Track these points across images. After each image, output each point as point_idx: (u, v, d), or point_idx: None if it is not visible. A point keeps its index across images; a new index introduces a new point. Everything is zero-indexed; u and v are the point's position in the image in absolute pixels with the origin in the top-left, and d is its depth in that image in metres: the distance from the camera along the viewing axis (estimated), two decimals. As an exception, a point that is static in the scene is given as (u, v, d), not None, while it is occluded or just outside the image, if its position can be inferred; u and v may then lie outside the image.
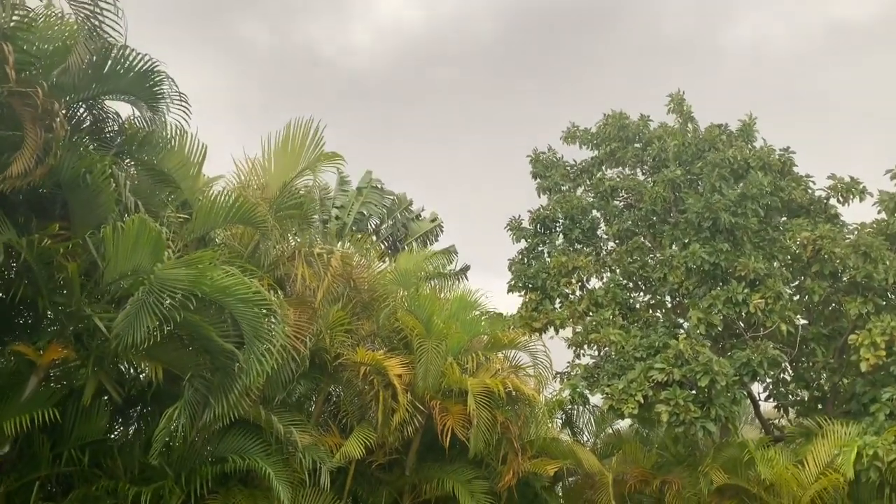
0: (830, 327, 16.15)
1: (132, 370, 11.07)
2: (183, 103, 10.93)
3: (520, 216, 19.26)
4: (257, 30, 54.09)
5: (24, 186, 8.88)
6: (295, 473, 11.73)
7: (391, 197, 23.45)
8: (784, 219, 17.27)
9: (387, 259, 17.74)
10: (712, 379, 13.92)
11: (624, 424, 17.90)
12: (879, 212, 16.25)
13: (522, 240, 19.13)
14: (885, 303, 15.13)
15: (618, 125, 18.86)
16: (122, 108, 11.32)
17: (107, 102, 10.97)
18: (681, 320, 16.88)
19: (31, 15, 9.80)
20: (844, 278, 15.48)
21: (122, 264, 9.37)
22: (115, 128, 11.07)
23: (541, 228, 18.91)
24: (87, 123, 10.85)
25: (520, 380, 15.06)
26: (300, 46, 55.39)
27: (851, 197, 16.72)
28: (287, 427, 11.74)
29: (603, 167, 19.43)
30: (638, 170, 18.90)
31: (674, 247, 17.06)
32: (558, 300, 17.76)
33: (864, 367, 13.95)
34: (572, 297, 17.85)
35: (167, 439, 10.21)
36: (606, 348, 16.23)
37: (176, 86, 10.76)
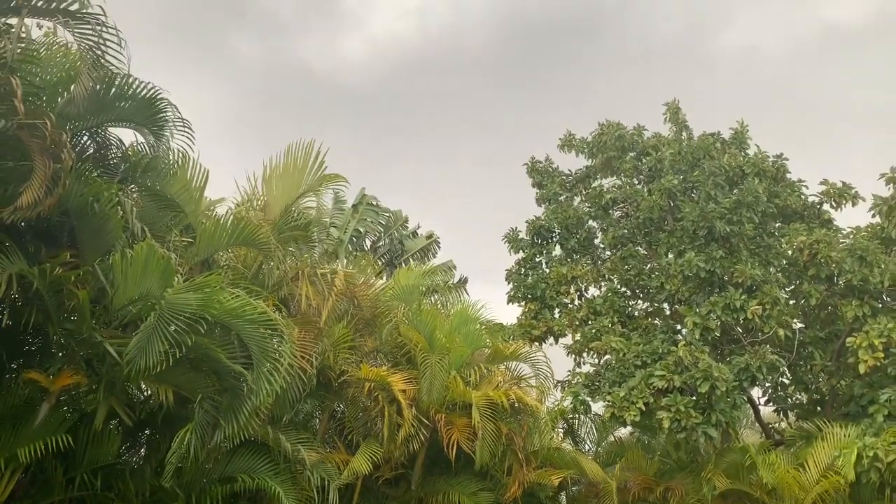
0: (827, 330, 16.38)
1: (142, 394, 11.17)
2: (186, 129, 11.09)
3: (516, 228, 19.52)
4: (251, 46, 54.42)
5: (33, 216, 9.00)
6: (303, 492, 11.83)
7: (387, 214, 23.62)
8: (779, 224, 17.53)
9: (385, 276, 17.90)
10: (712, 385, 14.11)
11: (625, 432, 18.07)
12: (874, 215, 16.51)
13: (520, 250, 19.36)
14: (881, 305, 15.38)
15: (613, 135, 19.09)
16: (125, 134, 11.51)
17: (110, 129, 11.15)
18: (679, 326, 17.10)
19: (35, 46, 9.99)
20: (840, 282, 15.73)
21: (131, 290, 9.50)
22: (119, 154, 11.21)
23: (538, 239, 19.15)
24: (91, 151, 11.00)
25: (522, 391, 15.18)
26: (295, 61, 55.72)
27: (844, 202, 17.00)
28: (294, 445, 11.86)
29: (598, 176, 19.68)
30: (634, 179, 19.14)
31: (669, 255, 17.28)
32: (557, 309, 17.99)
33: (862, 368, 14.16)
34: (571, 306, 18.09)
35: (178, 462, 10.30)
36: (607, 356, 16.41)
37: (178, 112, 10.95)
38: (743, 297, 15.43)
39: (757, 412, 17.77)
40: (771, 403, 17.36)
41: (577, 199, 19.66)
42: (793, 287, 16.75)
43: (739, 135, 18.77)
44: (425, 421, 13.83)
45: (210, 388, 10.48)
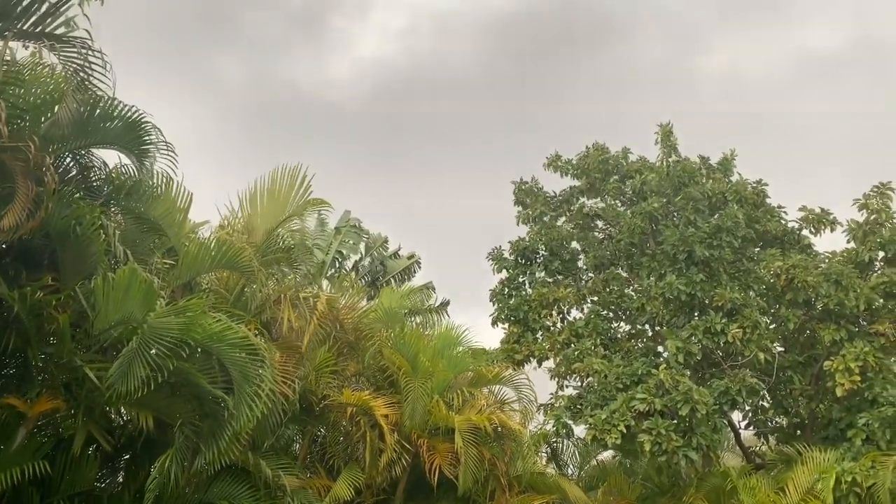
0: (806, 355, 16.55)
1: (122, 419, 11.03)
2: (169, 152, 11.07)
3: (500, 247, 19.53)
4: (238, 68, 54.51)
5: (14, 239, 8.93)
6: (284, 518, 11.71)
7: (367, 236, 23.67)
8: (758, 250, 17.75)
9: (366, 298, 17.87)
10: (692, 408, 14.19)
11: (608, 455, 18.08)
12: (849, 241, 16.79)
13: (504, 270, 19.38)
14: (857, 329, 15.58)
15: (598, 157, 19.25)
16: (108, 156, 11.45)
17: (94, 151, 11.10)
18: (660, 349, 17.20)
19: (19, 68, 9.97)
20: (818, 306, 15.93)
21: (113, 314, 9.42)
22: (102, 177, 11.16)
23: (521, 259, 19.20)
24: (74, 173, 10.95)
25: (505, 415, 15.19)
26: (279, 82, 55.81)
27: (823, 228, 17.25)
28: (275, 471, 11.75)
29: (584, 197, 19.82)
30: (617, 201, 19.30)
31: (651, 278, 17.42)
32: (539, 332, 18.01)
33: (839, 392, 14.32)
34: (553, 328, 18.12)
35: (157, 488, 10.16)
36: (589, 378, 16.45)
37: (162, 135, 10.90)
38: (723, 320, 15.57)
39: (737, 436, 17.84)
40: (751, 427, 17.44)
41: (562, 220, 19.77)
42: (772, 311, 16.93)
43: (727, 161, 19.02)
44: (407, 446, 13.79)
45: (191, 413, 10.37)
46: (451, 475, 13.55)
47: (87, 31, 9.63)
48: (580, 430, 16.73)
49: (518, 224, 19.86)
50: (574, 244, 19.42)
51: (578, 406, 16.25)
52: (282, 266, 13.19)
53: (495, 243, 19.61)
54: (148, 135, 10.70)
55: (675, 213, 17.94)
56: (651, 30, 56.74)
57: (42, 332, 9.47)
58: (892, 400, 14.11)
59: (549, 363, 17.79)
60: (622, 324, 18.62)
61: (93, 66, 9.73)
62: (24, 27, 9.17)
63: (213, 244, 11.73)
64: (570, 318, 18.31)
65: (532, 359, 17.78)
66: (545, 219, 19.48)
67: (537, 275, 18.99)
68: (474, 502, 14.54)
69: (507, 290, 18.97)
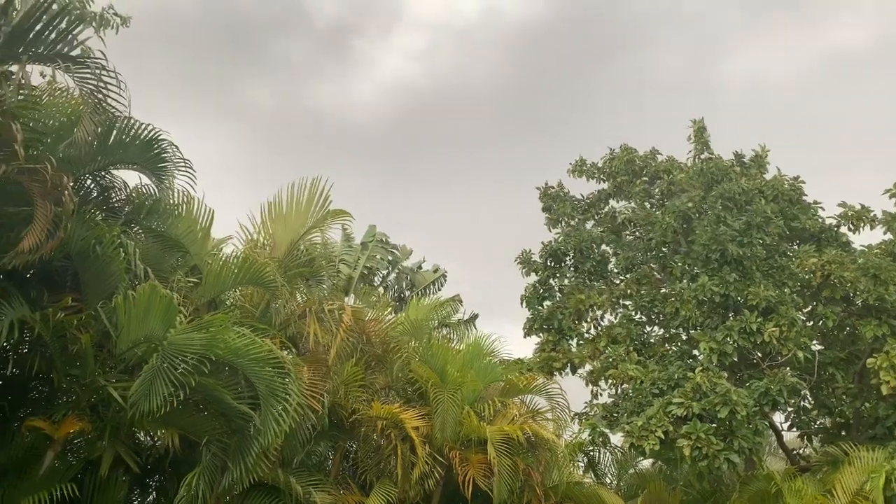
0: (847, 351, 15.98)
1: (149, 438, 10.98)
2: (188, 170, 11.09)
3: (529, 250, 19.27)
4: (261, 92, 55.20)
5: (35, 261, 8.94)
6: (317, 535, 11.53)
7: (395, 250, 23.63)
8: (794, 246, 17.28)
9: (393, 311, 17.71)
10: (731, 410, 13.72)
11: (647, 464, 17.64)
12: (885, 232, 16.24)
13: (533, 273, 19.10)
14: (899, 324, 15.01)
15: (625, 159, 18.96)
16: (129, 177, 11.50)
17: (113, 172, 11.15)
18: (695, 352, 16.75)
19: (36, 92, 10.06)
20: (858, 302, 15.39)
21: (135, 332, 9.39)
22: (123, 197, 11.20)
23: (551, 262, 18.91)
24: (95, 194, 11.00)
25: (538, 424, 14.89)
26: (305, 106, 56.38)
27: (862, 224, 16.74)
28: (306, 488, 11.60)
29: (611, 200, 19.51)
30: (646, 203, 18.96)
31: (683, 279, 17.02)
32: (575, 339, 17.69)
33: (885, 390, 13.74)
34: (588, 334, 17.79)
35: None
36: (624, 385, 16.08)
37: (180, 153, 10.94)
38: (759, 319, 15.09)
39: (780, 438, 17.28)
40: (794, 428, 16.91)
41: (590, 224, 19.47)
42: (809, 309, 16.42)
43: (759, 158, 18.64)
44: (440, 458, 13.55)
45: (217, 430, 10.29)
46: (485, 486, 13.27)
47: (101, 51, 9.66)
48: (616, 439, 16.38)
49: (549, 229, 19.59)
50: (604, 247, 19.11)
51: (614, 414, 15.87)
52: (305, 279, 13.10)
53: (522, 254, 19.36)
54: (165, 153, 10.73)
55: (708, 212, 17.53)
56: (673, 37, 56.15)
57: (66, 353, 9.45)
58: (940, 394, 13.54)
59: (584, 370, 17.48)
60: (655, 328, 18.24)
61: (108, 87, 9.73)
62: (40, 50, 9.21)
63: (236, 260, 11.71)
64: (604, 323, 17.99)
65: (568, 366, 17.48)
66: (573, 222, 19.21)
67: (567, 278, 18.67)
68: (510, 514, 14.25)
69: (537, 292, 18.68)
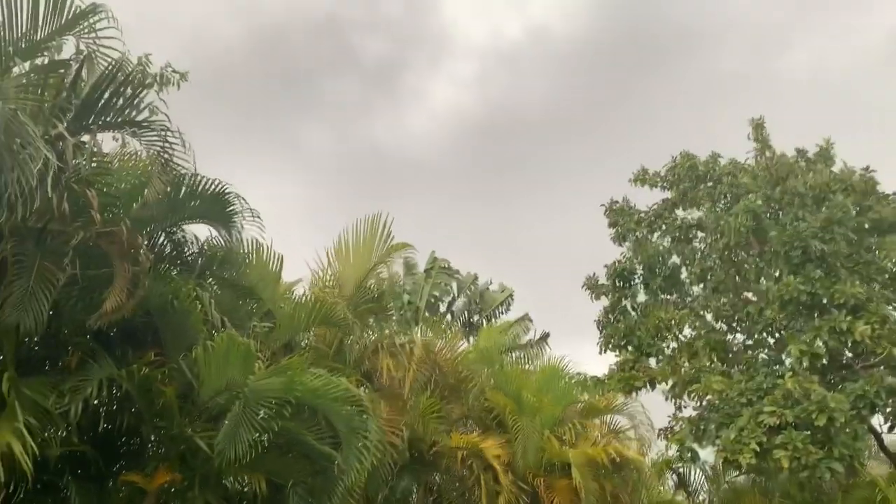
0: (947, 346, 15.09)
1: (237, 485, 11.15)
2: (256, 219, 11.30)
3: (595, 274, 19.03)
4: (318, 134, 56.60)
5: (118, 320, 9.25)
6: (408, 571, 11.47)
7: (458, 276, 23.63)
8: (876, 239, 16.51)
9: (464, 338, 17.66)
10: (829, 416, 13.11)
11: (739, 478, 16.94)
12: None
13: (601, 296, 18.82)
14: None
15: (687, 165, 18.59)
16: (199, 230, 11.83)
17: (184, 227, 11.49)
18: (783, 356, 16.09)
19: (107, 159, 10.48)
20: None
21: (216, 381, 9.57)
22: (195, 250, 11.51)
23: (619, 282, 18.58)
24: (168, 250, 11.34)
25: (622, 444, 14.53)
26: (360, 143, 57.46)
27: (945, 210, 15.93)
28: (394, 524, 11.58)
29: (677, 209, 19.09)
30: (715, 207, 18.49)
31: (761, 280, 16.46)
32: (655, 356, 17.30)
33: None
34: (668, 351, 17.38)
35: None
36: (708, 397, 15.56)
37: (247, 203, 11.17)
38: (848, 318, 14.43)
39: (880, 441, 16.42)
40: (895, 430, 16.01)
41: (656, 235, 19.07)
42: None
43: (824, 151, 17.99)
44: (524, 486, 13.35)
45: (302, 472, 10.39)
46: (573, 512, 13.00)
47: (165, 114, 10.01)
48: (705, 453, 15.84)
49: (618, 244, 19.29)
50: (673, 258, 18.67)
51: (701, 427, 15.36)
52: (376, 315, 13.21)
53: (589, 270, 19.14)
54: (232, 204, 10.96)
55: (779, 210, 16.95)
56: (725, 38, 54.87)
57: (152, 407, 9.71)
58: None
59: (663, 386, 17.04)
60: (737, 335, 17.64)
61: (173, 147, 10.06)
62: (108, 118, 9.62)
63: (306, 303, 11.90)
64: (683, 337, 17.52)
65: (647, 384, 17.09)
66: (637, 235, 18.86)
67: (640, 297, 18.32)
68: (601, 538, 13.89)
69: (611, 316, 18.40)
